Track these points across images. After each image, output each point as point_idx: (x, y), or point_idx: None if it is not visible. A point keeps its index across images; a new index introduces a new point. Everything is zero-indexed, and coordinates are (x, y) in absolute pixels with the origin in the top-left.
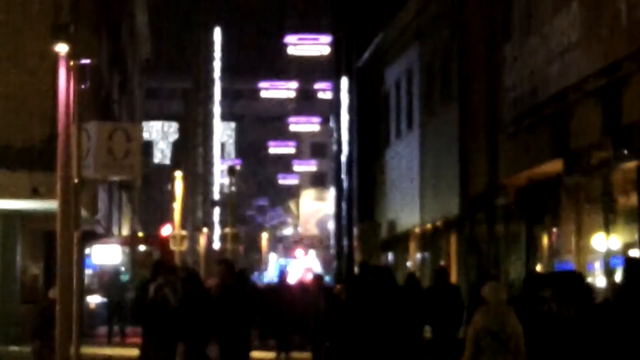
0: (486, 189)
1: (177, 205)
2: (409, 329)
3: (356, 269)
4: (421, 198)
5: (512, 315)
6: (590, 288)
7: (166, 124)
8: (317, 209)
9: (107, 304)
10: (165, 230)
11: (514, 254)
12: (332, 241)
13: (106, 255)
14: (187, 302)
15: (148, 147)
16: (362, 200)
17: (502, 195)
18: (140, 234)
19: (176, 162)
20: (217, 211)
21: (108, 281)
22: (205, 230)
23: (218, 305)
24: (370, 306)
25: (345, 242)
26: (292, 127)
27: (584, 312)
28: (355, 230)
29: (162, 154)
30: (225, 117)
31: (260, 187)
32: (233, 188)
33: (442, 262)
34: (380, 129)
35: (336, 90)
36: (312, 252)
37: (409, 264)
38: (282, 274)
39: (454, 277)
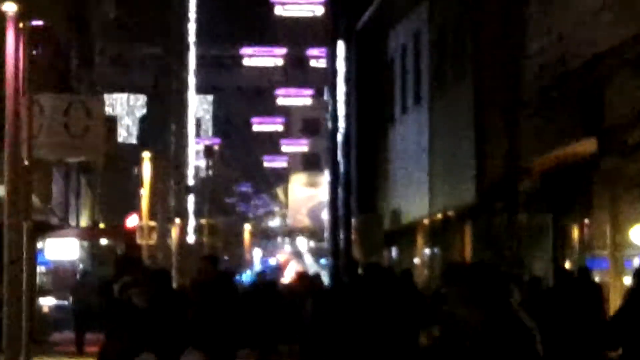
0: (506, 173)
1: (145, 192)
2: (403, 334)
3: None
4: (430, 184)
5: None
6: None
7: (132, 96)
8: (309, 195)
9: (72, 308)
10: (131, 221)
11: (538, 249)
12: (327, 234)
13: (62, 249)
14: (157, 304)
15: (111, 123)
16: (361, 187)
17: (524, 181)
18: (101, 225)
19: (144, 141)
20: (191, 199)
21: (74, 281)
22: (178, 221)
23: (193, 303)
24: (356, 314)
25: (342, 235)
26: (280, 101)
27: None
28: (353, 222)
29: (127, 132)
30: (201, 89)
31: (243, 170)
32: (210, 172)
33: (454, 259)
34: (383, 103)
35: (332, 57)
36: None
37: (416, 260)
38: (262, 273)
39: None
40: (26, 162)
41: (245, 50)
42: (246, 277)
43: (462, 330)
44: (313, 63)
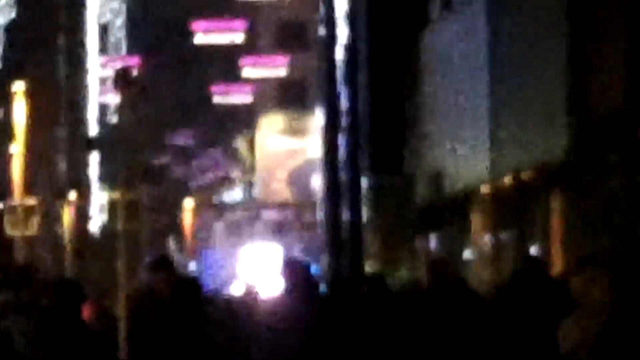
0: (622, 107)
1: (17, 149)
2: None
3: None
4: (492, 128)
5: None
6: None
7: None
8: (289, 150)
9: None
10: None
11: None
12: (320, 213)
13: None
14: (53, 346)
15: None
16: (377, 134)
17: None
18: None
19: (14, 65)
20: (95, 159)
21: None
22: (73, 196)
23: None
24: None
25: (346, 215)
26: None
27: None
28: (365, 192)
29: None
30: None
31: (179, 110)
32: (126, 114)
33: (535, 249)
34: None
35: None
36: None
37: (468, 253)
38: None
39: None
40: None
41: None
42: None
43: None
44: None
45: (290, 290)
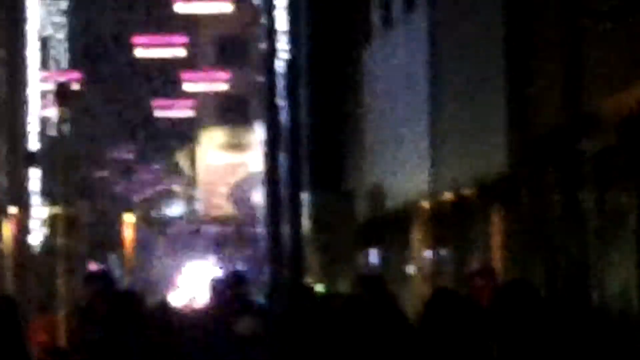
0: (560, 123)
1: None
2: None
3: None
4: (433, 144)
5: None
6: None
7: None
8: (230, 164)
9: None
10: None
11: (615, 249)
12: (261, 228)
13: None
14: None
15: None
16: (318, 151)
17: (592, 135)
18: None
19: None
20: (36, 174)
21: None
22: (13, 210)
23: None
24: None
25: (287, 229)
26: (180, 7)
27: None
28: (306, 207)
29: None
30: None
31: (121, 123)
32: (66, 128)
33: (475, 264)
34: (351, 11)
35: None
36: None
37: (410, 269)
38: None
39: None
40: None
41: None
42: None
43: None
44: None
45: (212, 302)
